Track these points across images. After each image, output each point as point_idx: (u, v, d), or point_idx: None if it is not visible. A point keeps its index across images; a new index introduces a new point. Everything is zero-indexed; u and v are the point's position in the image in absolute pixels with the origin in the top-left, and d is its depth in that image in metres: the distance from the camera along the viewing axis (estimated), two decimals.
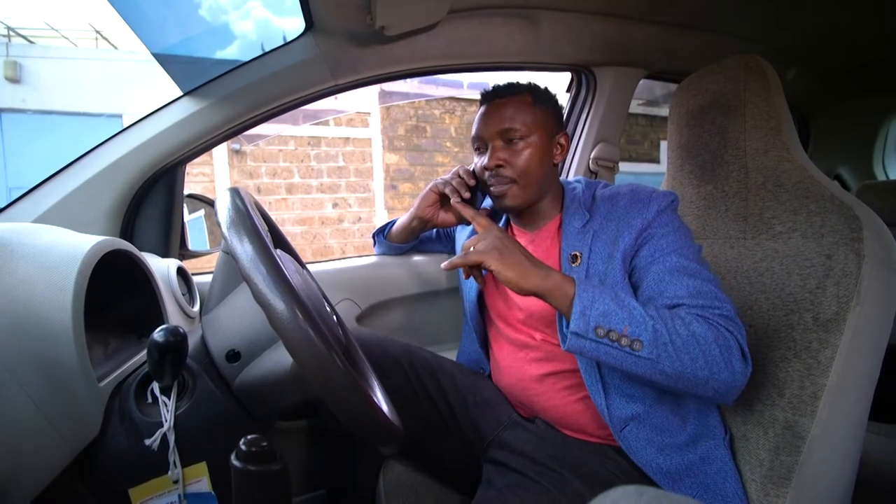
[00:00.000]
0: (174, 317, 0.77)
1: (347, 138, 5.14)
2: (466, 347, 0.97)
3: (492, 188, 0.82)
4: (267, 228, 0.60)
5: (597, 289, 0.63)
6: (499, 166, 0.79)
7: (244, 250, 0.45)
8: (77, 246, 0.55)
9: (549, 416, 0.79)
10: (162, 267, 0.82)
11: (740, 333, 0.62)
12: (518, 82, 0.84)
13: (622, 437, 0.69)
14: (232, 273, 0.63)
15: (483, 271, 0.70)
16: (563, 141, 0.84)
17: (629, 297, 0.64)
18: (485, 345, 0.93)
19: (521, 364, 0.81)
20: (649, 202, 0.73)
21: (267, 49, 0.94)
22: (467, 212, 0.81)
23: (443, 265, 0.68)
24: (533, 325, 0.81)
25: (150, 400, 0.56)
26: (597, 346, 0.61)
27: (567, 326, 0.63)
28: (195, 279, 0.94)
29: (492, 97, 0.83)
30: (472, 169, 0.89)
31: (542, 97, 0.83)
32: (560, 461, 0.70)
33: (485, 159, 0.81)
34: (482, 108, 0.84)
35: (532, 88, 0.83)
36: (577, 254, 0.75)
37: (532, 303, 0.81)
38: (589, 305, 0.61)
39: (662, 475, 0.67)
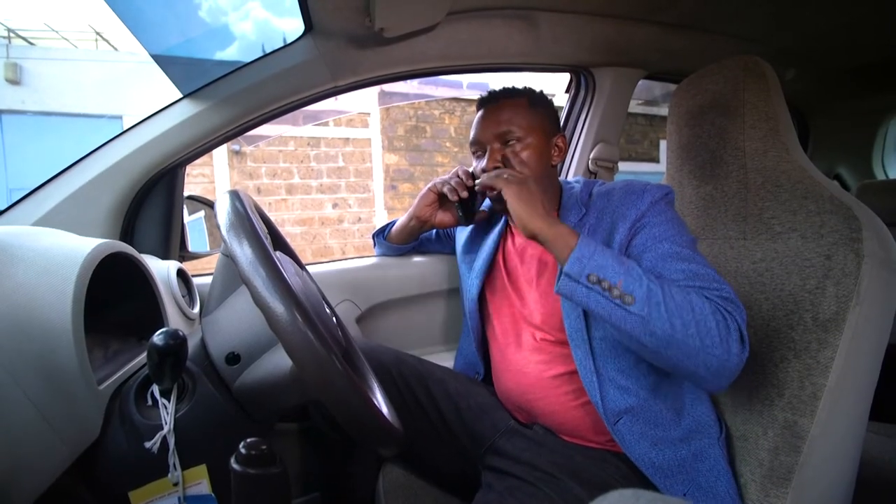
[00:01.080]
0: (174, 319, 0.77)
1: (347, 139, 5.15)
2: (465, 349, 0.97)
3: (490, 191, 0.82)
4: (266, 231, 0.60)
5: (599, 246, 0.63)
6: (497, 168, 0.80)
7: (244, 253, 0.45)
8: (77, 249, 0.55)
9: (548, 421, 0.78)
10: (162, 269, 0.82)
11: (740, 315, 0.61)
12: (514, 86, 0.85)
13: (616, 431, 0.69)
14: (232, 275, 0.64)
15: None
16: (560, 142, 0.85)
17: (632, 262, 0.64)
18: (482, 346, 0.93)
19: (521, 366, 0.81)
20: (643, 194, 0.73)
21: (267, 51, 0.95)
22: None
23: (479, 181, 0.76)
24: (534, 325, 0.80)
25: (150, 402, 0.56)
26: (587, 291, 0.61)
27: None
28: (195, 281, 0.94)
29: (488, 102, 0.84)
30: (471, 171, 0.90)
31: (538, 100, 0.84)
32: (559, 467, 0.70)
33: (484, 162, 0.81)
34: (479, 113, 0.85)
35: (527, 92, 0.84)
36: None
37: (534, 300, 0.81)
38: (588, 255, 0.62)
39: (655, 470, 0.67)
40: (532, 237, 0.66)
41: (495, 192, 0.72)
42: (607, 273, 0.61)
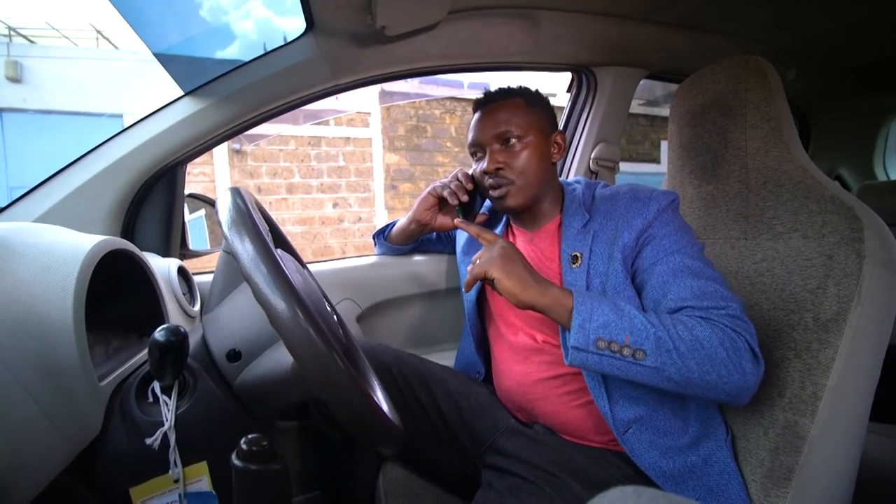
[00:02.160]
0: (175, 316, 0.77)
1: (348, 138, 5.14)
2: (465, 349, 0.97)
3: (492, 191, 0.82)
4: (267, 228, 0.60)
5: (595, 300, 0.63)
6: (498, 169, 0.80)
7: (245, 250, 0.45)
8: (78, 246, 0.55)
9: (549, 421, 0.78)
10: (163, 266, 0.82)
11: (749, 333, 0.61)
12: (510, 87, 0.85)
13: (625, 441, 0.69)
14: (233, 273, 0.64)
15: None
16: (559, 140, 0.85)
17: (629, 305, 0.63)
18: (481, 347, 0.93)
19: (521, 367, 0.81)
20: (649, 202, 0.73)
21: (268, 49, 0.94)
22: (472, 230, 0.78)
23: (464, 290, 0.73)
24: (535, 327, 0.80)
25: (150, 399, 0.56)
26: (599, 358, 0.60)
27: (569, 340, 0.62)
28: (196, 279, 0.94)
29: (485, 103, 0.84)
30: (470, 174, 0.90)
31: (534, 99, 0.84)
32: (560, 466, 0.70)
33: (483, 164, 0.81)
34: (477, 115, 0.85)
35: (524, 91, 0.84)
36: (578, 254, 0.75)
37: None
38: (588, 318, 0.61)
39: (665, 478, 0.67)
40: (528, 309, 0.65)
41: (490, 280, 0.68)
42: (612, 332, 0.60)
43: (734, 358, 0.59)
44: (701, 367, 0.59)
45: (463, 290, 0.77)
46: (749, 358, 0.60)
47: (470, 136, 0.85)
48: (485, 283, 0.69)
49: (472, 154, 0.86)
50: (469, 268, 0.69)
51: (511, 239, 0.89)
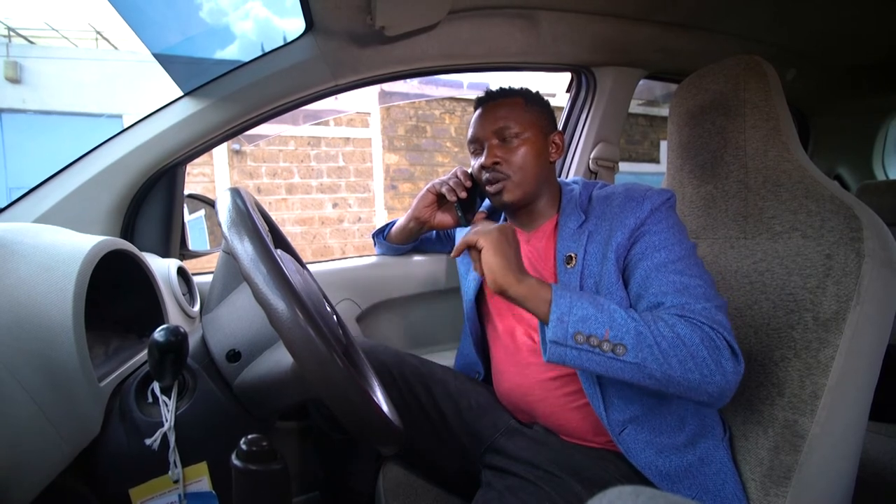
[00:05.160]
0: (175, 317, 0.77)
1: (347, 138, 5.14)
2: (465, 349, 0.97)
3: (489, 186, 0.82)
4: (267, 228, 0.60)
5: (574, 294, 0.61)
6: (495, 163, 0.80)
7: (245, 250, 0.45)
8: (78, 246, 0.55)
9: (548, 422, 0.78)
10: (162, 267, 0.82)
11: (726, 330, 0.60)
12: (510, 86, 0.86)
13: (621, 440, 0.69)
14: (232, 273, 0.64)
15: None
16: (557, 140, 0.85)
17: (609, 301, 0.62)
18: (481, 347, 0.93)
19: (520, 368, 0.81)
20: (643, 201, 0.72)
21: (267, 49, 0.95)
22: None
23: (453, 254, 0.69)
24: (533, 327, 0.80)
25: (150, 400, 0.56)
26: (578, 353, 0.58)
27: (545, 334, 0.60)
28: (195, 279, 0.94)
29: (485, 100, 0.86)
30: (469, 172, 0.90)
31: (534, 99, 0.85)
32: (560, 465, 0.70)
33: (482, 159, 0.82)
34: (477, 112, 0.86)
35: (523, 92, 0.85)
36: (573, 255, 0.75)
37: None
38: (567, 311, 0.59)
39: (662, 477, 0.67)
40: (501, 293, 0.61)
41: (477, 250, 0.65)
42: (591, 326, 0.58)
43: (715, 357, 0.58)
44: (683, 365, 0.57)
45: (462, 276, 0.73)
46: (729, 356, 0.59)
47: (469, 132, 0.85)
48: (470, 252, 0.66)
49: (472, 150, 0.87)
50: (462, 240, 0.66)
51: None
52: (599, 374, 0.61)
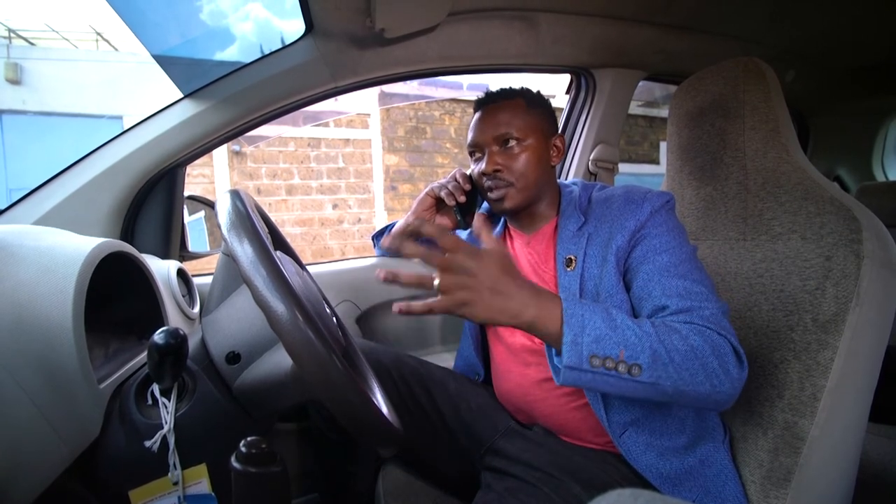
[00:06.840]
0: (174, 318, 0.77)
1: (347, 139, 5.15)
2: (464, 350, 0.97)
3: (489, 192, 0.82)
4: (267, 230, 0.60)
5: (586, 308, 0.57)
6: (496, 171, 0.79)
7: (244, 252, 0.45)
8: (78, 248, 0.55)
9: (548, 423, 0.78)
10: (162, 268, 0.82)
11: (731, 334, 0.60)
12: (511, 87, 0.84)
13: (621, 443, 0.69)
14: (232, 275, 0.64)
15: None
16: (558, 143, 0.85)
17: (621, 313, 0.59)
18: (480, 348, 0.92)
19: (520, 368, 0.80)
20: (643, 203, 0.72)
21: (267, 51, 0.95)
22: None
23: (394, 308, 0.54)
24: None
25: (150, 402, 0.56)
26: (593, 376, 0.56)
27: (558, 358, 0.57)
28: (195, 281, 0.95)
29: (485, 103, 0.84)
30: (469, 174, 0.89)
31: (535, 101, 0.83)
32: (559, 467, 0.69)
33: (482, 165, 0.81)
34: (476, 115, 0.84)
35: (524, 92, 0.83)
36: (572, 257, 0.75)
37: None
38: (580, 332, 0.55)
39: (662, 480, 0.67)
40: (516, 328, 0.56)
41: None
42: (606, 347, 0.55)
43: (723, 365, 0.57)
44: (695, 378, 0.56)
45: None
46: (734, 361, 0.58)
47: (469, 136, 0.84)
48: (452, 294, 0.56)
49: (471, 154, 0.86)
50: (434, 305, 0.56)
51: (509, 241, 0.89)
52: (613, 395, 0.60)
